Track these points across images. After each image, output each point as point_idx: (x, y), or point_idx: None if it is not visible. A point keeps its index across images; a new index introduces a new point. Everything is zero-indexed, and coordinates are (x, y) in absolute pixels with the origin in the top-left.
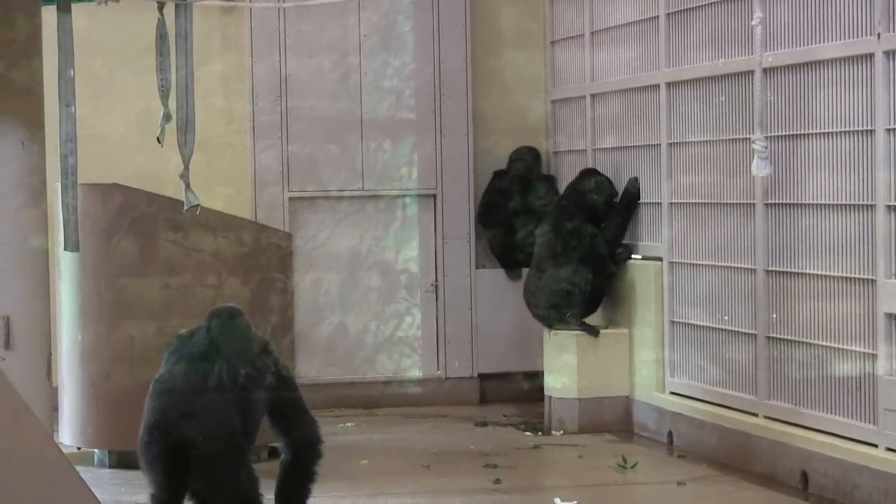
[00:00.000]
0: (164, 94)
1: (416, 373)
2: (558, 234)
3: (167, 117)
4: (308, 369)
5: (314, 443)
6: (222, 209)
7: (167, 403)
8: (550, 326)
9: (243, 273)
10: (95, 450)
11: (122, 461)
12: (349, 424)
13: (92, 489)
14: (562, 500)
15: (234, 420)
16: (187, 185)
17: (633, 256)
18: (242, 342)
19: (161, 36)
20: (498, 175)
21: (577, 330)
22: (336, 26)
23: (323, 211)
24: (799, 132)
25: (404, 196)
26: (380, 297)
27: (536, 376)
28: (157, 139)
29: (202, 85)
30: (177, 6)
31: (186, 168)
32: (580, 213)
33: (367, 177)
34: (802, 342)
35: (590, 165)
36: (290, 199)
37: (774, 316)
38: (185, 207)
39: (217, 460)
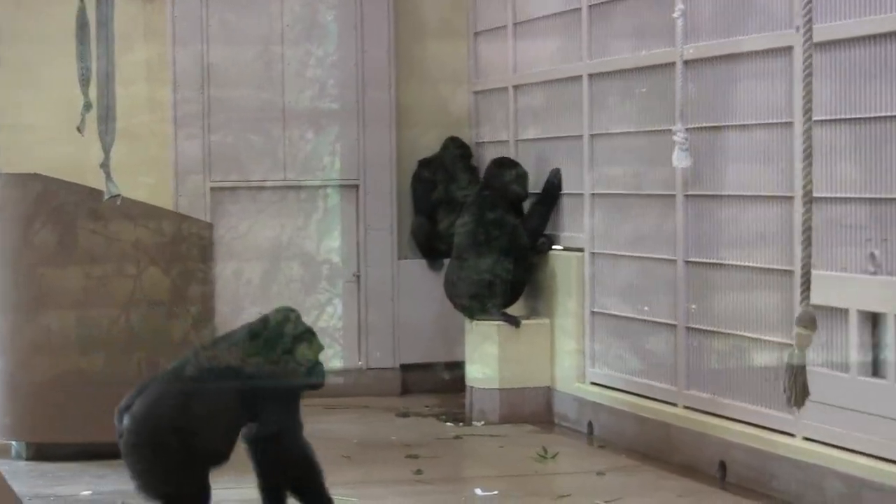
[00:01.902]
0: (84, 82)
1: (337, 363)
2: (480, 224)
3: (87, 106)
4: None
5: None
6: (143, 199)
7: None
8: (472, 317)
9: (164, 263)
10: (13, 441)
11: (40, 453)
12: None
13: (9, 481)
14: (482, 491)
15: (156, 419)
16: (108, 175)
17: (554, 247)
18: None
19: (81, 24)
20: (423, 164)
21: (499, 320)
22: (259, 15)
23: (245, 201)
24: (719, 124)
25: (327, 186)
26: (302, 287)
27: (458, 367)
28: (77, 128)
29: (124, 74)
30: None
31: (107, 157)
32: (502, 204)
33: (289, 167)
34: (722, 332)
35: (512, 156)
36: (213, 188)
37: (693, 307)
38: (106, 197)
39: (138, 457)
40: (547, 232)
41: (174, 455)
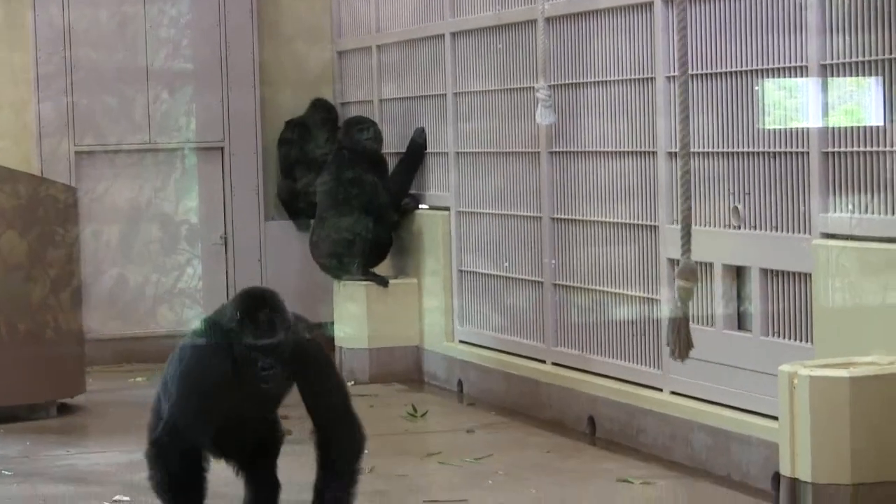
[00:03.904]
0: None
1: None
2: (339, 183)
3: None
4: (97, 324)
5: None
6: (3, 163)
7: None
8: (336, 277)
9: (21, 226)
10: None
11: None
12: (139, 379)
13: None
14: None
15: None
16: None
17: (420, 206)
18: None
19: None
20: (289, 125)
21: (366, 280)
22: None
23: (109, 164)
24: (582, 80)
25: (192, 149)
26: (170, 250)
27: (327, 327)
28: None
29: None
30: None
31: None
32: (360, 162)
33: (154, 129)
34: (588, 289)
35: (377, 116)
36: (77, 152)
37: (553, 262)
38: None
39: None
40: (412, 191)
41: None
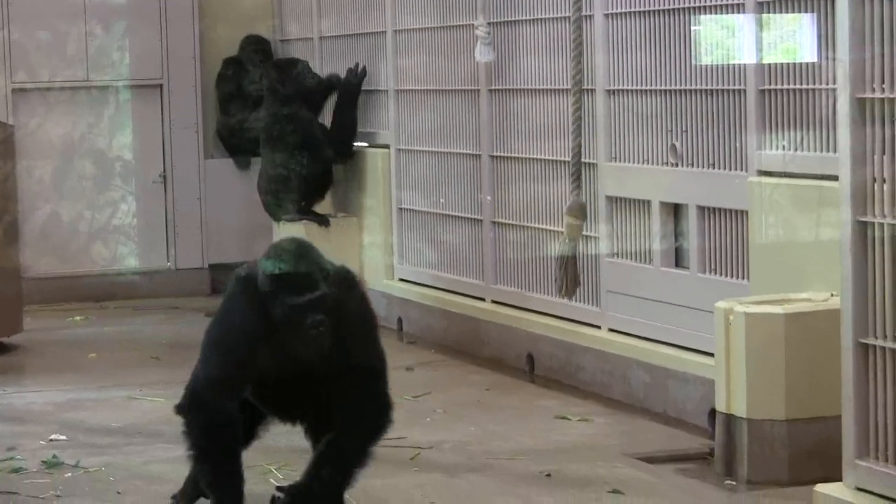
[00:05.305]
0: None
1: (146, 264)
2: (275, 119)
3: None
4: (31, 261)
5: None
6: None
7: None
8: (272, 214)
9: None
10: None
11: None
12: (78, 318)
13: None
14: None
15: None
16: None
17: (360, 144)
18: None
19: None
20: (227, 63)
21: (306, 219)
22: None
23: (47, 102)
24: (521, 18)
25: (130, 86)
26: (109, 188)
27: None
28: None
29: None
30: None
31: None
32: (295, 99)
33: (91, 66)
34: (527, 226)
35: (317, 54)
36: (14, 90)
37: (489, 198)
38: None
39: None
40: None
41: None
